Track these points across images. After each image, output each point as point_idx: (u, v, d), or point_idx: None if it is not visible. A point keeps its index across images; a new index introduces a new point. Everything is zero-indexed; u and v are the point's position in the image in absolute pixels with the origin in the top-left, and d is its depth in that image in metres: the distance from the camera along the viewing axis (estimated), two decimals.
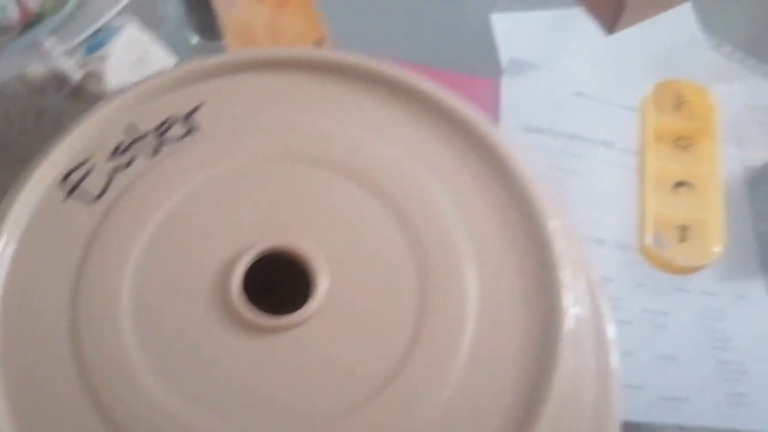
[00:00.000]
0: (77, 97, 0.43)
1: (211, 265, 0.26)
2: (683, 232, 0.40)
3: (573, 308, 0.26)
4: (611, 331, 0.30)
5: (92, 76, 0.41)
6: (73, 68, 0.40)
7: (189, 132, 0.30)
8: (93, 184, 0.28)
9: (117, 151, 0.29)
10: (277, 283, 0.27)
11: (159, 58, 0.45)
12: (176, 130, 0.30)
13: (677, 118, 0.45)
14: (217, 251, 0.26)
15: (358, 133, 0.30)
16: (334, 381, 0.24)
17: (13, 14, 0.43)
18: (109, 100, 0.30)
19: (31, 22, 0.44)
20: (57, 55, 0.40)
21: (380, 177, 0.28)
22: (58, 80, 0.40)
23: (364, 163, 0.29)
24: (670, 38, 0.51)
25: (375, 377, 0.24)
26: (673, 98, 0.46)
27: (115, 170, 0.28)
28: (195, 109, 0.30)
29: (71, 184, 0.28)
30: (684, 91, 0.46)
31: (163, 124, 0.30)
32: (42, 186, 0.28)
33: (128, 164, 0.29)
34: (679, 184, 0.43)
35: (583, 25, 0.55)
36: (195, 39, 0.51)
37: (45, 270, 0.26)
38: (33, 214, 0.27)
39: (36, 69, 0.40)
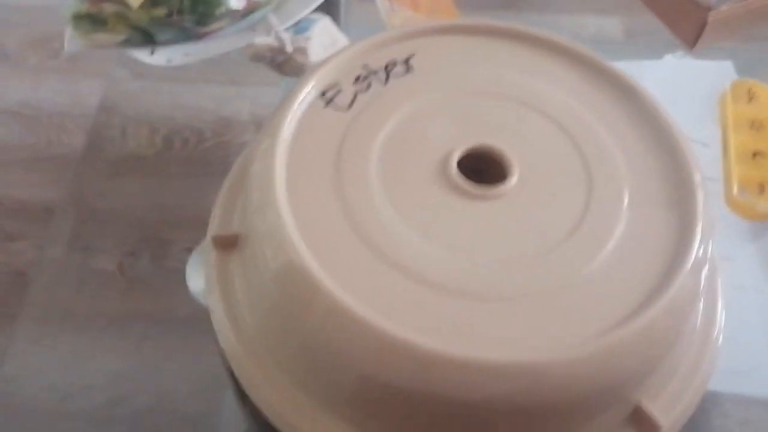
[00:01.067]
0: (282, 67, 0.54)
1: (433, 154, 0.36)
2: (761, 187, 0.53)
3: (705, 218, 0.35)
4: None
5: (300, 51, 0.53)
6: (288, 41, 0.52)
7: (408, 71, 0.40)
8: (343, 100, 0.39)
9: (358, 80, 0.40)
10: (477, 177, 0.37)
11: (344, 43, 0.56)
12: (399, 69, 0.40)
13: (750, 107, 0.58)
14: (436, 147, 0.37)
15: (534, 81, 0.40)
16: (526, 235, 0.34)
17: (241, 4, 0.55)
18: (349, 47, 0.41)
19: (251, 10, 0.56)
20: (279, 29, 0.52)
21: (555, 111, 0.38)
22: (277, 49, 0.52)
23: (541, 100, 0.39)
24: None
25: (554, 237, 0.34)
26: (746, 93, 0.59)
27: (358, 92, 0.39)
28: (410, 56, 0.41)
29: (327, 98, 0.39)
30: (753, 89, 0.60)
31: (388, 64, 0.41)
32: (309, 97, 0.38)
33: (367, 88, 0.39)
34: (756, 154, 0.56)
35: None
36: None
37: (316, 145, 0.36)
38: (304, 113, 0.38)
39: (261, 39, 0.52)
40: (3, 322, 1.06)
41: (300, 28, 0.54)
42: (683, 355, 0.36)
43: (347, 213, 0.34)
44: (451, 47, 0.42)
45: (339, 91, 0.39)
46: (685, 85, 0.62)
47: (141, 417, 0.50)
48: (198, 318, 0.53)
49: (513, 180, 0.35)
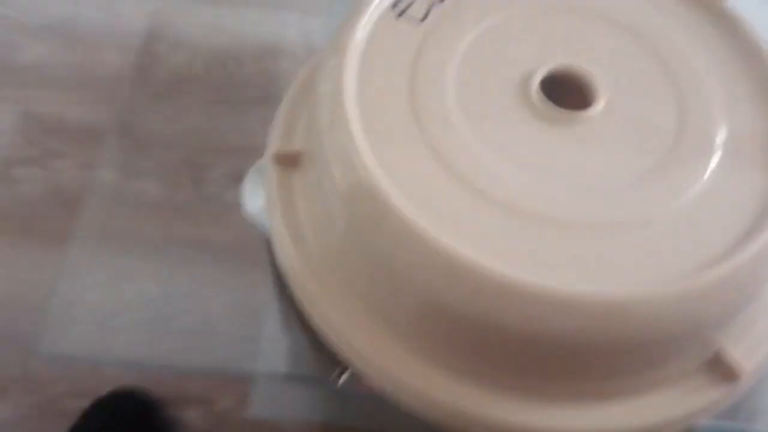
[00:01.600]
0: None
1: (513, 75, 0.34)
2: None
3: None
4: None
5: None
6: None
7: None
8: (416, 12, 0.36)
9: None
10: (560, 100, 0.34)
11: None
12: None
13: None
14: (517, 67, 0.34)
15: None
16: (611, 164, 0.32)
17: None
18: None
19: None
20: None
21: (647, 33, 0.36)
22: None
23: (631, 19, 0.36)
24: None
25: (642, 168, 0.31)
26: None
27: (432, 4, 0.36)
28: None
29: (400, 9, 0.36)
30: None
31: None
32: (380, 8, 0.36)
33: (442, 1, 0.37)
34: None
35: None
36: None
37: (389, 60, 0.34)
38: (375, 23, 0.35)
39: None
40: (51, 241, 1.07)
41: None
42: (767, 304, 0.34)
43: (422, 133, 0.32)
44: None
45: (412, 2, 0.36)
46: None
47: (182, 338, 0.50)
48: (240, 245, 0.53)
49: (599, 105, 0.33)
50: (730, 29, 0.36)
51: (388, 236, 0.29)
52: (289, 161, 0.36)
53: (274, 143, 0.38)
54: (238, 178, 0.47)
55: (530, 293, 0.27)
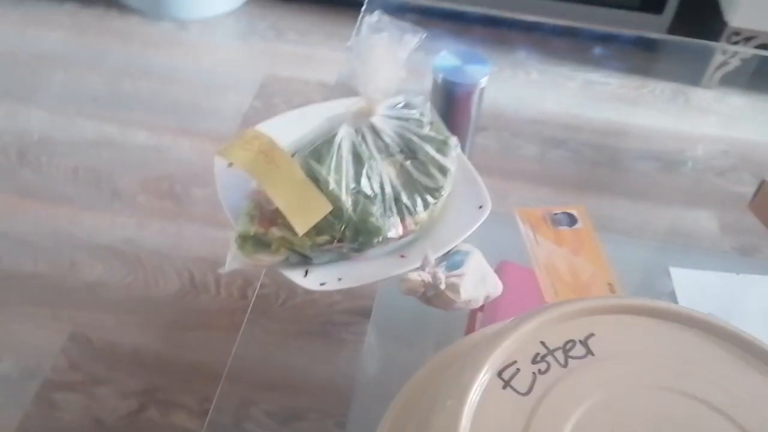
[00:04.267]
0: (432, 300, 0.54)
1: None
2: None
3: None
4: None
5: (452, 288, 0.53)
6: (443, 279, 0.52)
7: (587, 353, 0.39)
8: (522, 382, 0.38)
9: (536, 359, 0.39)
10: None
11: (492, 280, 0.56)
12: (578, 350, 0.39)
13: None
14: None
15: (727, 384, 0.38)
16: None
17: (397, 232, 0.56)
18: (525, 321, 0.40)
19: (403, 236, 0.57)
20: (436, 269, 0.52)
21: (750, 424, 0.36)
22: (431, 285, 0.52)
23: (734, 408, 0.37)
24: None
25: None
26: None
27: (537, 373, 0.38)
28: (589, 336, 0.40)
29: (505, 378, 0.38)
30: None
31: (567, 343, 0.40)
32: (488, 375, 0.38)
33: (546, 370, 0.38)
34: None
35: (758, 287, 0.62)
36: None
37: (498, 424, 0.35)
38: (485, 389, 0.37)
39: (416, 275, 0.52)
40: None
41: (453, 262, 0.55)
42: None
43: None
44: (632, 330, 0.40)
45: (517, 371, 0.38)
46: None
47: None
48: None
49: None
50: None
51: None
52: None
53: None
54: None
55: None
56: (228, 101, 1.56)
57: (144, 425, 1.10)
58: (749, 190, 0.73)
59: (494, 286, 0.56)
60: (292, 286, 0.54)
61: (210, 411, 0.62)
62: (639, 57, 1.35)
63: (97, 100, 1.54)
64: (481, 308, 0.58)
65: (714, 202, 1.18)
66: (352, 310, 0.76)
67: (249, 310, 0.69)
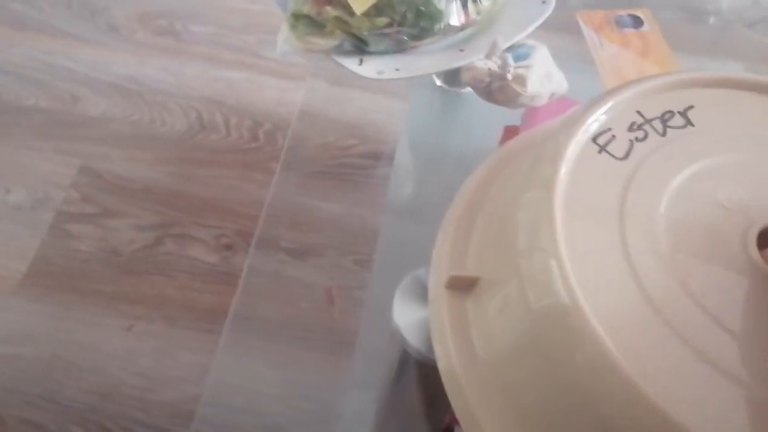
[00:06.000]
0: (494, 95, 0.51)
1: (726, 225, 0.32)
2: None
3: None
4: None
5: (518, 79, 0.49)
6: (511, 66, 0.48)
7: (687, 124, 0.36)
8: (618, 148, 0.35)
9: (632, 127, 0.36)
10: None
11: (558, 77, 0.53)
12: (677, 120, 0.36)
13: None
14: (730, 217, 0.32)
15: None
16: None
17: (459, 20, 0.52)
18: (620, 91, 0.37)
19: (464, 27, 0.53)
20: (506, 55, 0.48)
21: None
22: (497, 75, 0.49)
23: None
24: None
25: None
26: None
27: (635, 140, 0.35)
28: (689, 108, 0.37)
29: (601, 143, 0.35)
30: None
31: (665, 114, 0.37)
32: (582, 139, 0.35)
33: (644, 138, 0.35)
34: None
35: None
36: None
37: (594, 194, 0.33)
38: (579, 154, 0.34)
39: (482, 63, 0.48)
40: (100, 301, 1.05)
41: (519, 54, 0.51)
42: None
43: (632, 271, 0.30)
44: (734, 104, 0.37)
45: (613, 137, 0.35)
46: None
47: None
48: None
49: None
50: None
51: (580, 363, 0.28)
52: (464, 285, 0.35)
53: (443, 268, 0.37)
54: None
55: None
56: None
57: (162, 258, 1.10)
58: None
59: (560, 84, 0.52)
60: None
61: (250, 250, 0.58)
62: None
63: None
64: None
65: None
66: (368, 154, 0.73)
67: (284, 152, 0.64)
